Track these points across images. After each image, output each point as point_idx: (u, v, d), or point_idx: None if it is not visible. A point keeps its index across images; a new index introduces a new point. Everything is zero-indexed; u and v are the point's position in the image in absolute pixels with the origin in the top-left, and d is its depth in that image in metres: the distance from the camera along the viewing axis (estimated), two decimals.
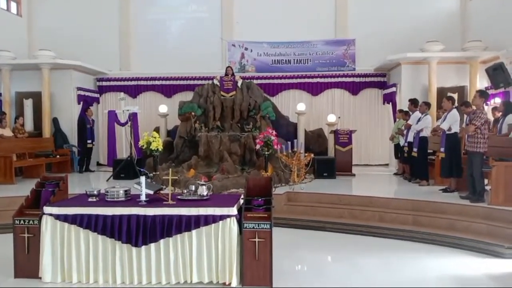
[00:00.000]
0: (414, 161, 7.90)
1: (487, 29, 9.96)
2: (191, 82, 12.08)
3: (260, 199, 4.03)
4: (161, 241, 3.85)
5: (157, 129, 10.77)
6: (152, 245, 3.86)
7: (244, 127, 9.84)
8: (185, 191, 4.45)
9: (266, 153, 7.91)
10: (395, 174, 9.51)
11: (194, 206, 3.93)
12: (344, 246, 5.34)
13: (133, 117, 9.68)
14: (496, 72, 8.30)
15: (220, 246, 3.82)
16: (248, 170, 8.47)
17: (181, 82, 12.22)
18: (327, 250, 5.24)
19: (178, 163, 9.09)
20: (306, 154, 7.85)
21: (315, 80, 11.95)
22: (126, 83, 12.29)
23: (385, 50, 10.82)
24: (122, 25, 12.39)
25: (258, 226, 3.79)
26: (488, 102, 8.95)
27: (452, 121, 6.66)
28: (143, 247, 3.85)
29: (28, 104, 10.87)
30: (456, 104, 7.42)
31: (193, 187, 4.33)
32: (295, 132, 10.80)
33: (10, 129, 9.74)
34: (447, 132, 6.69)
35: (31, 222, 4.03)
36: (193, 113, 9.96)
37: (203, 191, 4.26)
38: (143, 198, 4.08)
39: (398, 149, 9.22)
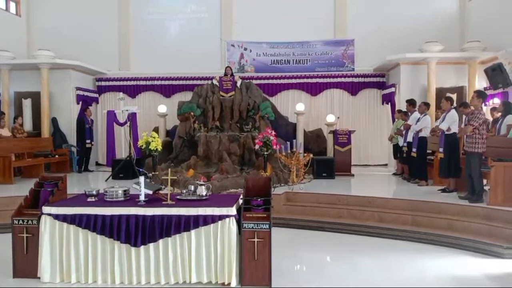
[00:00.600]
0: (413, 161, 7.90)
1: (486, 30, 9.98)
2: (190, 82, 12.08)
3: (259, 199, 4.03)
4: (160, 241, 3.85)
5: (156, 129, 10.78)
6: (151, 245, 3.85)
7: (243, 127, 9.84)
8: (184, 191, 4.44)
9: (265, 153, 7.91)
10: (394, 174, 9.51)
11: (193, 206, 3.93)
12: (343, 246, 5.34)
13: (132, 117, 9.67)
14: (494, 73, 8.32)
15: (219, 246, 3.82)
16: (247, 170, 8.47)
17: (180, 82, 12.22)
18: (326, 250, 5.24)
19: (177, 163, 9.09)
20: (305, 154, 7.84)
21: (314, 80, 11.96)
22: (125, 83, 12.29)
23: (384, 50, 10.83)
24: (122, 25, 12.39)
25: (257, 226, 3.79)
26: (487, 103, 8.97)
27: (451, 122, 6.67)
28: (142, 247, 3.85)
29: (27, 104, 10.87)
30: (455, 104, 7.43)
31: (192, 187, 4.33)
32: (294, 132, 10.81)
33: (9, 129, 9.74)
34: (446, 133, 6.70)
35: (30, 222, 4.02)
36: (192, 113, 9.96)
37: (202, 191, 4.25)
38: (142, 198, 4.07)
39: (397, 149, 9.23)
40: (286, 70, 12.07)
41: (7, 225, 4.39)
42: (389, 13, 11.57)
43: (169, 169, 4.68)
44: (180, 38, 12.32)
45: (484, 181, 6.19)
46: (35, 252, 3.97)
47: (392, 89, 10.90)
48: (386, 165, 11.44)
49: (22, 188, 6.79)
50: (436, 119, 8.65)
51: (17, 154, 9.23)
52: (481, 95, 6.08)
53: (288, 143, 7.80)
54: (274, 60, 12.11)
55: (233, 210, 3.87)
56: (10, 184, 8.06)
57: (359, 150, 11.61)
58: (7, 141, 9.07)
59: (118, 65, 12.46)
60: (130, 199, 4.21)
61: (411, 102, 8.35)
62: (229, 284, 3.80)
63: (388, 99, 11.25)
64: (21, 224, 4.03)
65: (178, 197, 4.26)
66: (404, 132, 8.21)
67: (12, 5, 12.04)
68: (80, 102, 11.27)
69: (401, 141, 8.63)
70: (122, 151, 9.95)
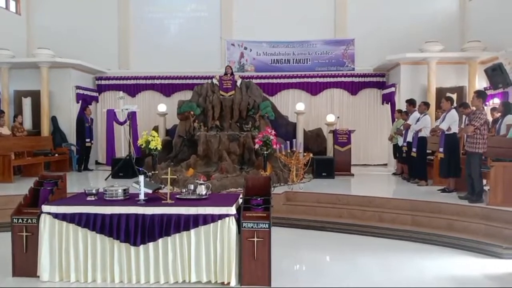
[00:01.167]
0: (413, 161, 7.90)
1: (486, 30, 9.98)
2: (190, 81, 12.08)
3: (259, 199, 4.03)
4: (160, 240, 3.84)
5: (156, 128, 10.78)
6: (151, 244, 3.85)
7: (243, 126, 9.85)
8: (184, 190, 4.44)
9: (265, 152, 7.90)
10: (394, 174, 9.51)
11: (193, 205, 3.92)
12: (343, 246, 5.34)
13: (132, 116, 9.68)
14: (495, 73, 8.32)
15: (218, 246, 3.81)
16: (247, 170, 8.47)
17: (180, 81, 12.22)
18: (325, 250, 5.24)
19: (177, 162, 9.08)
20: (305, 154, 7.84)
21: (314, 80, 11.96)
22: (125, 82, 12.28)
23: (384, 50, 10.83)
24: (122, 24, 12.38)
25: (257, 226, 3.79)
26: (487, 103, 8.97)
27: (451, 122, 6.66)
28: (142, 246, 3.85)
29: (26, 102, 10.86)
30: (455, 104, 7.43)
31: (192, 186, 4.32)
32: (294, 131, 10.81)
33: (8, 127, 9.73)
34: (446, 132, 6.70)
35: (29, 220, 4.02)
36: (192, 112, 9.96)
37: (202, 190, 4.25)
38: (141, 197, 4.07)
39: (397, 149, 9.23)
40: (286, 69, 12.06)
41: (7, 224, 4.38)
42: (389, 13, 11.57)
43: (169, 168, 4.67)
44: (180, 37, 12.31)
45: (484, 181, 6.19)
46: (35, 251, 3.97)
47: (392, 89, 10.89)
48: (386, 165, 11.44)
49: (22, 187, 6.79)
50: (436, 119, 8.65)
51: (17, 153, 9.23)
52: (481, 95, 6.08)
53: (288, 142, 7.81)
54: (274, 60, 12.10)
55: (232, 210, 3.86)
56: (10, 183, 8.06)
57: (359, 150, 11.61)
58: (7, 139, 9.07)
59: (118, 64, 12.45)
60: (130, 198, 4.20)
61: (411, 102, 8.35)
62: (228, 283, 3.79)
63: (388, 99, 11.25)
64: (20, 223, 4.03)
65: (177, 196, 4.25)
66: (404, 132, 8.21)
67: (12, 4, 12.02)
68: (80, 101, 11.26)
69: (400, 141, 8.63)
70: (122, 150, 9.95)
